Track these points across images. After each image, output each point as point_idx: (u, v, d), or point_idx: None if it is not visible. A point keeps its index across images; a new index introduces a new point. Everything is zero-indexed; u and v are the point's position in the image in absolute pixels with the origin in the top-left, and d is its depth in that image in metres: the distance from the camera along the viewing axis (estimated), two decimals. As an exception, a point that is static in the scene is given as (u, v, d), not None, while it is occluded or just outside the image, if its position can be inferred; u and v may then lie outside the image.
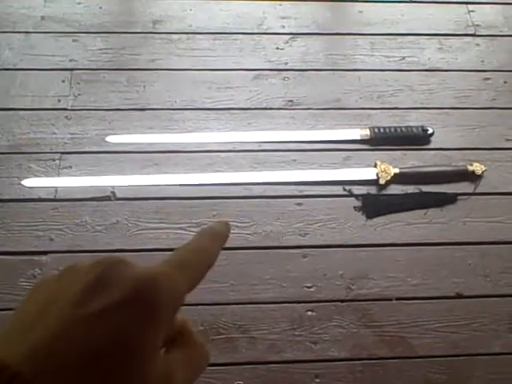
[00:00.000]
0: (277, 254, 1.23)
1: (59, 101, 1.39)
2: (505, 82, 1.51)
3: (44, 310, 0.24)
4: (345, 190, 1.31)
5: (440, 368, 1.13)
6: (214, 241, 0.31)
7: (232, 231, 1.15)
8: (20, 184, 1.27)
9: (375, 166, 1.33)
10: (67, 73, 1.44)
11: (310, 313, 1.17)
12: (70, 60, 1.46)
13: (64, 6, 1.55)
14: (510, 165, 1.38)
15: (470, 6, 1.64)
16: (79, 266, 0.26)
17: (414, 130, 1.38)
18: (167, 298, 0.25)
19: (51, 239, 1.21)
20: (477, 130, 1.42)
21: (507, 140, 1.41)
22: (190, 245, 0.29)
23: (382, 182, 1.30)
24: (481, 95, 1.48)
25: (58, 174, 1.29)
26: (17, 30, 1.50)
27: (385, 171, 1.31)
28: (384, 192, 1.32)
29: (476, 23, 1.61)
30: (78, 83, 1.42)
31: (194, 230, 1.23)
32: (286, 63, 1.50)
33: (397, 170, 1.32)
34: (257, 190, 1.30)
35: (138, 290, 0.24)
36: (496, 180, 1.35)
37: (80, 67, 1.45)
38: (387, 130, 1.37)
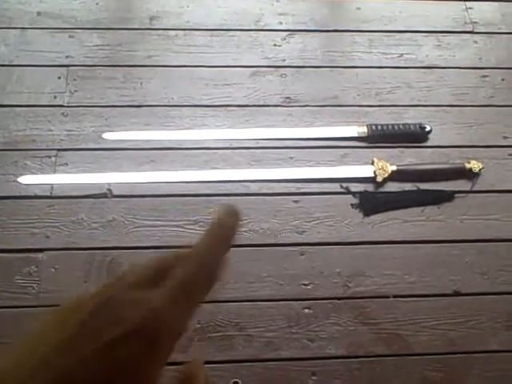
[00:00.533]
0: (274, 251, 1.23)
1: (55, 97, 1.39)
2: (502, 80, 1.51)
3: (45, 339, 0.24)
4: (342, 187, 1.31)
5: (437, 365, 1.13)
6: (222, 240, 0.29)
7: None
8: (16, 181, 1.26)
9: (372, 163, 1.33)
10: (63, 69, 1.43)
11: (306, 310, 1.17)
12: (67, 56, 1.45)
13: (60, 1, 1.54)
14: (507, 162, 1.38)
15: (468, 3, 1.64)
16: (82, 298, 0.27)
17: (412, 127, 1.38)
18: (169, 333, 0.25)
19: (47, 236, 1.21)
20: (474, 127, 1.42)
21: (505, 138, 1.41)
22: (195, 252, 0.28)
23: (379, 179, 1.30)
24: (479, 93, 1.48)
25: (54, 171, 1.28)
26: (13, 25, 1.49)
27: (382, 168, 1.31)
28: (381, 189, 1.31)
29: (474, 20, 1.61)
30: (75, 80, 1.42)
31: (191, 227, 1.23)
32: (284, 60, 1.49)
33: (394, 168, 1.32)
34: (254, 188, 1.29)
35: (141, 324, 0.24)
36: (493, 178, 1.35)
37: (76, 63, 1.44)
38: (385, 128, 1.37)
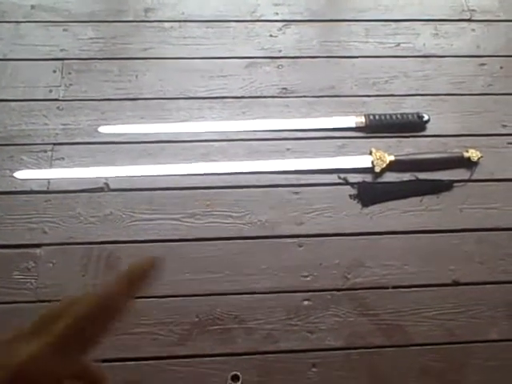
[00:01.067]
0: (272, 243, 1.22)
1: (51, 91, 1.38)
2: (501, 68, 1.49)
3: None
4: (340, 178, 1.30)
5: (436, 356, 1.13)
6: (125, 289, 0.30)
7: (227, 221, 1.14)
8: (12, 176, 1.26)
9: (370, 153, 1.32)
10: (58, 63, 1.42)
11: (306, 302, 1.17)
12: (61, 50, 1.44)
13: (54, -6, 1.53)
14: (505, 151, 1.37)
15: (466, -9, 1.62)
16: None
17: (410, 116, 1.37)
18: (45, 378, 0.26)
19: (44, 232, 1.20)
20: (473, 116, 1.41)
21: (503, 126, 1.40)
22: (88, 302, 0.28)
23: (377, 169, 1.29)
24: (477, 81, 1.47)
25: (51, 166, 1.28)
26: (6, 19, 1.48)
27: (380, 159, 1.30)
28: (379, 180, 1.31)
29: (471, 8, 1.59)
30: (70, 73, 1.41)
31: (189, 220, 1.22)
32: (280, 51, 1.48)
33: (392, 158, 1.31)
34: (251, 180, 1.29)
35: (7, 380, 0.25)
36: (492, 166, 1.34)
37: (71, 57, 1.43)
38: (382, 118, 1.36)
